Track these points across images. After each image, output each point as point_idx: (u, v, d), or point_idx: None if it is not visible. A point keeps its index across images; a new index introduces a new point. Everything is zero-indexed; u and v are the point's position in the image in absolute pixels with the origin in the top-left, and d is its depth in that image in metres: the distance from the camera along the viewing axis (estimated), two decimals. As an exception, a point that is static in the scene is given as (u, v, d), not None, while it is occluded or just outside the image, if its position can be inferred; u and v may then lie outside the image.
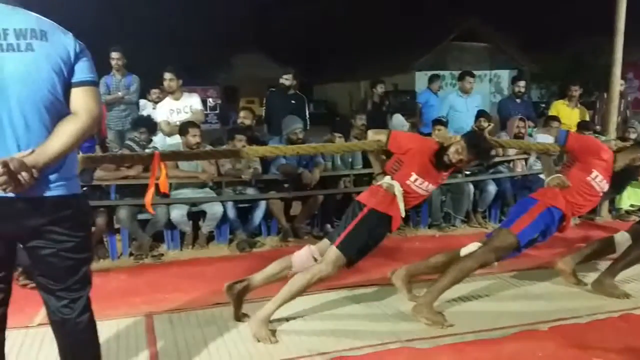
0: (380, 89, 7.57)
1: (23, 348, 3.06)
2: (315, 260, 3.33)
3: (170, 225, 5.27)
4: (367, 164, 5.97)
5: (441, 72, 15.90)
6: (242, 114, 6.15)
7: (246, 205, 5.59)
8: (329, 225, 5.72)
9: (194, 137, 5.28)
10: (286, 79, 6.65)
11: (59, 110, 2.02)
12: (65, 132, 1.99)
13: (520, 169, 6.49)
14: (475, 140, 3.49)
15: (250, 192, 5.58)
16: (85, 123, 2.04)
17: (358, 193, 5.66)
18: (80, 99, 2.04)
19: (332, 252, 3.24)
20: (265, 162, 5.72)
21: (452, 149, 3.40)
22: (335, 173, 5.94)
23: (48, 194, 2.01)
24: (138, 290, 4.19)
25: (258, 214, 5.57)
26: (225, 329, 3.32)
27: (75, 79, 2.04)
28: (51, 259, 2.07)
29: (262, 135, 6.53)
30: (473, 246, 3.58)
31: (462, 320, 3.44)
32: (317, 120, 9.02)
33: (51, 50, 1.98)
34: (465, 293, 3.89)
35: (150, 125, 5.62)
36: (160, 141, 5.75)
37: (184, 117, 5.83)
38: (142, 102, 7.07)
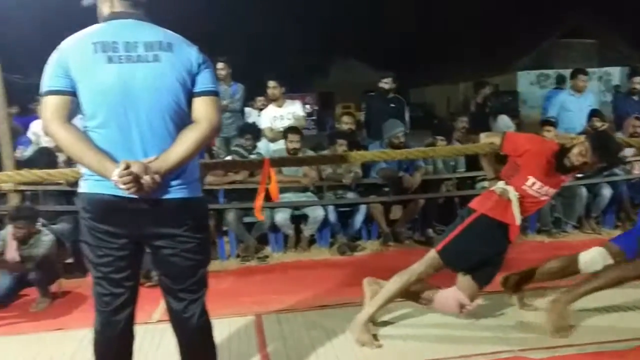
0: (485, 90, 7.35)
1: (144, 343, 3.23)
2: (462, 307, 3.20)
3: (274, 228, 5.43)
4: (470, 167, 5.82)
5: (547, 71, 15.20)
6: (344, 118, 6.24)
7: (347, 209, 5.64)
8: (430, 230, 5.63)
9: (291, 142, 5.41)
10: (385, 83, 6.63)
11: (182, 118, 2.15)
12: (188, 140, 2.10)
13: (638, 171, 6.05)
14: (601, 141, 3.19)
15: (351, 196, 5.61)
16: (206, 131, 2.14)
17: (461, 197, 5.63)
18: (202, 108, 2.15)
19: (431, 254, 3.17)
20: (366, 166, 5.73)
21: (575, 151, 3.14)
22: (437, 177, 5.83)
23: (171, 196, 2.13)
24: (246, 291, 4.35)
25: (359, 218, 5.60)
26: (332, 332, 3.34)
27: (198, 88, 2.16)
28: (173, 259, 2.19)
29: (361, 139, 6.55)
30: (595, 251, 3.33)
31: (583, 331, 3.23)
32: (414, 124, 8.90)
33: (176, 61, 2.11)
34: (590, 303, 3.64)
35: (255, 132, 5.82)
36: (263, 147, 5.93)
37: (287, 123, 5.98)
38: (247, 109, 7.33)
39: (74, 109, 2.08)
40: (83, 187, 2.16)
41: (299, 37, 32.93)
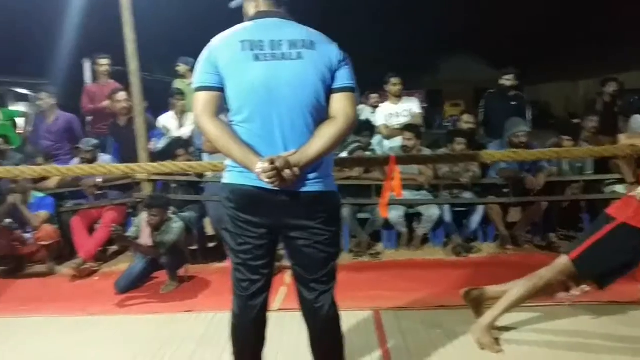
0: (611, 87, 6.88)
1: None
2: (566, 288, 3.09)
3: (388, 225, 5.42)
4: (598, 169, 5.47)
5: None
6: (465, 117, 6.12)
7: (463, 209, 5.51)
8: (552, 235, 5.36)
9: (408, 140, 5.37)
10: (507, 80, 6.38)
11: (320, 114, 2.20)
12: (325, 135, 2.16)
13: None
14: None
15: (468, 196, 5.48)
16: (343, 127, 2.19)
17: (588, 202, 5.32)
18: (340, 104, 2.20)
19: (563, 260, 3.01)
20: (484, 165, 5.56)
21: None
22: (562, 179, 5.52)
23: (306, 189, 2.20)
24: (360, 286, 4.37)
25: (475, 219, 5.45)
26: (452, 333, 3.29)
27: (336, 84, 2.20)
28: (306, 250, 2.26)
29: (479, 137, 6.37)
30: None
31: None
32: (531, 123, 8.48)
33: (318, 59, 2.17)
34: None
35: (370, 129, 5.84)
36: (377, 144, 5.94)
37: (403, 120, 5.94)
38: (361, 106, 7.36)
39: (222, 104, 2.21)
40: (227, 178, 2.28)
41: (407, 35, 32.56)
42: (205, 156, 5.28)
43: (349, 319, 3.48)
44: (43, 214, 5.05)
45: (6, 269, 5.06)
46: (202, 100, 2.17)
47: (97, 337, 3.47)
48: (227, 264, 5.06)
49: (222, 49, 2.18)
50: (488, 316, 3.14)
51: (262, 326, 2.40)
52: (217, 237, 5.39)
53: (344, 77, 2.21)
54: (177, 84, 6.73)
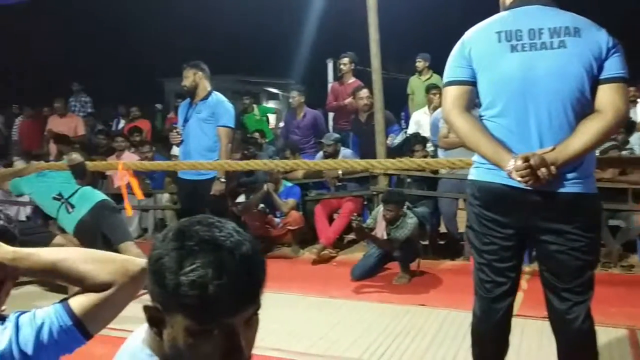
0: None
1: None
2: None
3: (646, 235, 4.77)
4: None
5: None
6: None
7: None
8: None
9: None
10: None
11: (583, 107, 2.01)
12: (589, 131, 1.96)
13: None
14: None
15: None
16: (611, 122, 1.97)
17: None
18: (608, 96, 1.98)
19: None
20: None
21: None
22: None
23: (563, 190, 2.03)
24: (611, 301, 3.92)
25: None
26: None
27: (604, 75, 1.99)
28: (559, 256, 2.08)
29: None
30: None
31: None
32: None
33: (583, 47, 1.99)
34: None
35: (627, 126, 5.21)
36: (637, 142, 5.26)
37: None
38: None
39: (473, 98, 2.15)
40: (474, 175, 2.22)
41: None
42: (440, 152, 5.26)
43: (599, 336, 3.17)
44: (291, 201, 5.56)
45: (258, 248, 5.69)
46: (452, 95, 2.15)
47: (338, 319, 3.71)
48: (459, 262, 5.03)
49: (477, 40, 2.12)
50: None
51: (505, 331, 2.29)
52: (449, 234, 5.34)
53: (614, 66, 1.99)
54: (413, 81, 6.82)
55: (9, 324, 1.19)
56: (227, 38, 18.16)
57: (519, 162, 1.94)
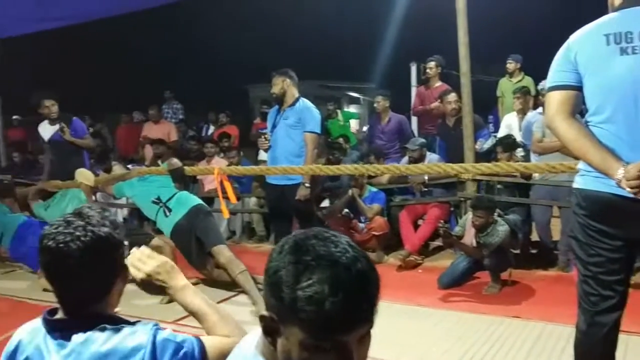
0: None
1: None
2: None
3: None
4: None
5: None
6: None
7: None
8: None
9: None
10: None
11: None
12: None
13: None
14: None
15: None
16: None
17: None
18: None
19: None
20: None
21: None
22: None
23: None
24: None
25: None
26: None
27: None
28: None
29: None
30: None
31: None
32: None
33: None
34: None
35: None
36: None
37: None
38: None
39: (579, 104, 2.06)
40: (579, 183, 2.12)
41: None
42: (533, 157, 5.06)
43: None
44: (376, 206, 5.53)
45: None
46: (556, 100, 2.06)
47: (427, 327, 3.65)
48: (553, 272, 4.81)
49: (583, 44, 2.03)
50: None
51: (611, 347, 2.17)
52: (542, 243, 5.13)
53: None
54: (504, 83, 6.62)
55: (142, 328, 1.31)
56: (307, 43, 18.41)
57: (632, 171, 1.83)
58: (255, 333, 1.14)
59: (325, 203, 6.11)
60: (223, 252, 4.21)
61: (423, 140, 5.81)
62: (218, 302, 4.35)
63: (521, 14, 12.56)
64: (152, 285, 1.45)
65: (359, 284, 0.93)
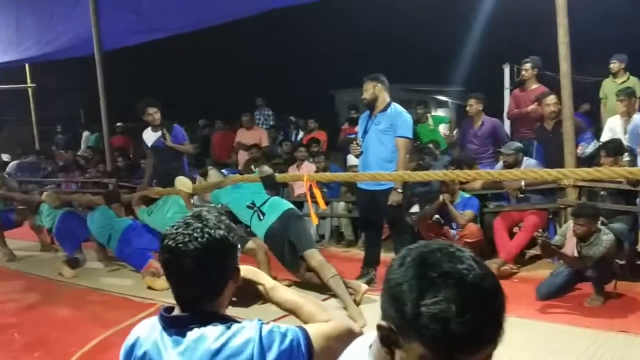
0: None
1: None
2: None
3: None
4: None
5: None
6: None
7: None
8: None
9: None
10: None
11: None
12: None
13: None
14: None
15: None
16: None
17: None
18: None
19: None
20: None
21: None
22: None
23: None
24: None
25: None
26: None
27: None
28: None
29: None
30: None
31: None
32: None
33: None
34: None
35: None
36: None
37: None
38: None
39: None
40: None
41: None
42: None
43: None
44: (468, 213, 5.38)
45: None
46: None
47: (527, 339, 3.50)
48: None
49: None
50: None
51: None
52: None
53: None
54: (607, 84, 6.25)
55: (248, 324, 1.37)
56: (392, 46, 18.31)
57: None
58: (364, 338, 1.14)
59: (415, 208, 6.02)
60: (315, 256, 4.27)
61: (519, 144, 5.59)
62: (310, 305, 4.46)
63: (623, 10, 11.80)
64: (245, 294, 1.50)
65: (486, 305, 0.90)
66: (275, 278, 5.16)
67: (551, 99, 5.49)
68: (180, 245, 1.36)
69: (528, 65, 6.27)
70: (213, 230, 1.39)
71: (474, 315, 0.88)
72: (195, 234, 1.37)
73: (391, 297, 0.95)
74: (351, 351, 1.16)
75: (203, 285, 1.38)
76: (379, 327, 0.99)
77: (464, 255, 0.94)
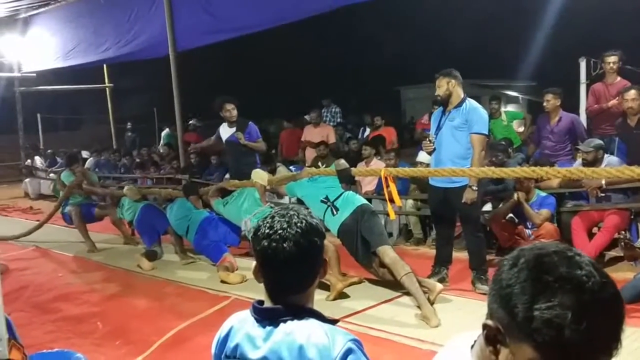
0: None
1: None
2: None
3: None
4: None
5: None
6: None
7: None
8: None
9: None
10: None
11: None
12: None
13: None
14: None
15: None
16: None
17: None
18: None
19: None
20: None
21: None
22: None
23: None
24: None
25: None
26: None
27: None
28: None
29: None
30: None
31: None
32: None
33: None
34: None
35: None
36: None
37: None
38: None
39: None
40: None
41: None
42: None
43: None
44: (545, 212, 5.20)
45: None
46: None
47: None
48: None
49: None
50: None
51: None
52: None
53: None
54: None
55: (342, 335, 1.36)
56: (458, 39, 17.93)
57: None
58: (466, 336, 1.12)
59: (487, 207, 5.87)
60: (388, 253, 4.24)
61: (599, 141, 5.33)
62: (382, 302, 4.43)
63: None
64: None
65: (604, 314, 0.87)
66: (345, 274, 5.13)
67: (632, 93, 5.22)
68: (281, 231, 1.37)
69: (615, 58, 5.96)
70: (309, 218, 1.42)
71: (591, 323, 0.85)
72: (294, 220, 1.39)
73: (501, 297, 0.93)
74: (452, 350, 1.15)
75: (298, 274, 1.40)
76: (485, 326, 0.97)
77: (583, 261, 0.91)
